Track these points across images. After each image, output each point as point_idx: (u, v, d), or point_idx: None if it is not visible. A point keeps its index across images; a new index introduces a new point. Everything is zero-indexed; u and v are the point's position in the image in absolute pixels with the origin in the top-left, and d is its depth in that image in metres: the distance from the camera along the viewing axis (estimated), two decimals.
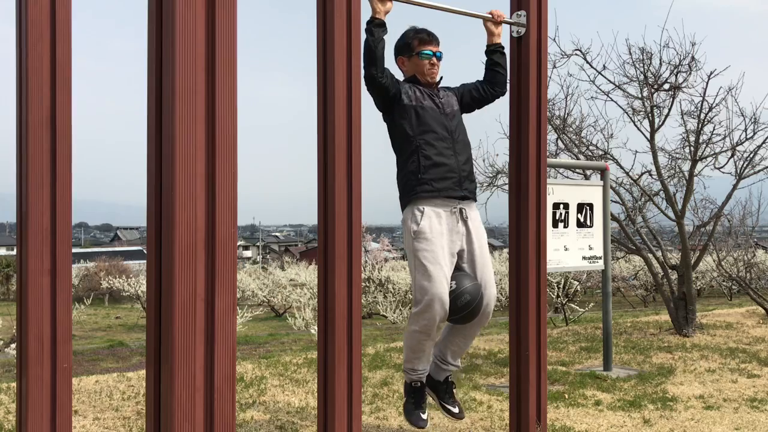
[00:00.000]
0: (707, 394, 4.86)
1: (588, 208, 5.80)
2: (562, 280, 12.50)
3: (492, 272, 3.50)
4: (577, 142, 8.04)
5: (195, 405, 2.59)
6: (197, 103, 2.59)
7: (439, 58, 3.46)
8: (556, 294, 12.47)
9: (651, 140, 7.77)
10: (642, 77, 7.62)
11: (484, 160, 8.71)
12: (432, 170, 3.31)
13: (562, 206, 5.60)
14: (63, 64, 2.41)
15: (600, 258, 5.91)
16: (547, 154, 4.93)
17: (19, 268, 2.42)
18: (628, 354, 6.46)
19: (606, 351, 5.88)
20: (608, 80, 7.79)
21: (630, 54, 7.62)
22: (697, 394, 4.88)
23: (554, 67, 7.72)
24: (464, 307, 3.30)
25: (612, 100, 7.90)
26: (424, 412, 3.54)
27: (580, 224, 5.74)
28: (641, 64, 7.59)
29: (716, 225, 8.21)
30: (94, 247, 56.72)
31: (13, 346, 9.68)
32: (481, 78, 3.67)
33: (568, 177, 8.00)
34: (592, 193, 5.87)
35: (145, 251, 2.71)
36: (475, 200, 3.51)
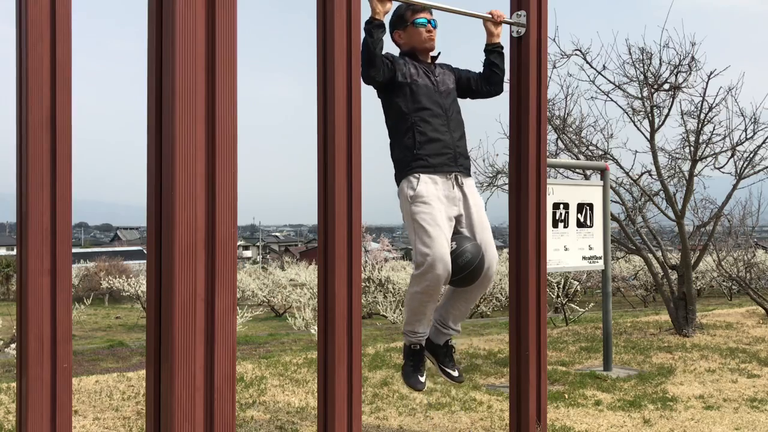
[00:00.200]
0: (707, 394, 4.86)
1: (588, 208, 5.81)
2: (562, 280, 12.51)
3: (491, 235, 3.49)
4: (577, 142, 8.04)
5: (195, 405, 2.59)
6: (197, 103, 2.59)
7: (434, 26, 3.46)
8: (556, 294, 12.48)
9: (651, 140, 7.78)
10: (642, 77, 7.62)
11: (484, 160, 8.69)
12: (427, 146, 3.33)
13: (562, 206, 5.60)
14: (63, 64, 2.41)
15: (600, 258, 5.91)
16: (547, 154, 4.93)
17: (19, 268, 2.42)
18: (628, 354, 6.46)
19: (606, 351, 5.88)
20: (608, 80, 7.79)
21: (630, 54, 7.63)
22: (697, 394, 4.88)
23: (554, 67, 7.72)
24: (466, 266, 3.29)
25: (612, 100, 7.90)
26: (422, 375, 3.53)
27: (580, 224, 5.74)
28: (641, 64, 7.60)
29: (716, 225, 8.21)
30: (94, 247, 56.75)
31: (13, 346, 9.68)
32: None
33: (568, 177, 8.00)
34: (592, 193, 5.87)
35: (145, 251, 2.71)
36: (470, 175, 3.53)
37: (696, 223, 8.22)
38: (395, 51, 3.51)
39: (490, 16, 3.61)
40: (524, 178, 3.69)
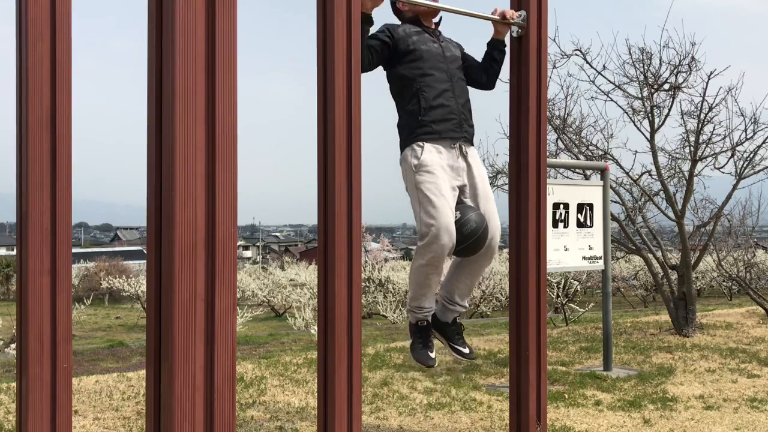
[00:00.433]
0: (707, 394, 4.86)
1: (588, 208, 5.81)
2: (562, 280, 12.50)
3: (495, 206, 3.48)
4: (577, 142, 8.04)
5: (195, 405, 2.59)
6: (197, 103, 2.59)
7: None
8: (556, 294, 12.47)
9: (651, 140, 7.78)
10: (642, 77, 7.62)
11: (484, 160, 8.72)
12: (432, 112, 3.31)
13: (562, 206, 5.60)
14: (63, 64, 2.41)
15: (600, 258, 5.91)
16: (547, 154, 4.93)
17: (19, 268, 2.42)
18: (628, 354, 6.46)
19: (606, 351, 5.88)
20: (608, 80, 7.79)
21: (630, 54, 7.63)
22: (697, 394, 4.88)
23: (554, 67, 7.73)
24: (470, 235, 3.27)
25: (612, 100, 7.90)
26: (432, 351, 3.48)
27: (580, 224, 5.74)
28: (641, 64, 7.60)
29: (716, 225, 8.21)
30: (94, 247, 56.75)
31: (13, 346, 9.68)
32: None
33: (568, 177, 8.00)
34: (592, 193, 5.87)
35: (145, 251, 2.71)
36: (473, 144, 3.51)
37: (696, 223, 8.22)
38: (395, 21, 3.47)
39: (498, 18, 3.61)
40: (524, 178, 3.69)
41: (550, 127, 7.73)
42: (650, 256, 8.19)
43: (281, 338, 11.89)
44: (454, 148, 3.37)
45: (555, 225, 5.54)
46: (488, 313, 16.41)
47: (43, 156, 2.38)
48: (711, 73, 7.39)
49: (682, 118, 7.76)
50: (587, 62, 7.72)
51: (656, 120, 7.70)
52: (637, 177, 8.07)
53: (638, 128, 7.85)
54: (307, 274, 24.36)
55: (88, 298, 21.94)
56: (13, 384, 5.12)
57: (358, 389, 3.03)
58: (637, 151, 7.99)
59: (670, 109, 7.65)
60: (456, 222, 3.25)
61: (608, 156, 7.97)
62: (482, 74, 3.65)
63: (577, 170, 7.93)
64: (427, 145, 3.30)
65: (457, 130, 3.37)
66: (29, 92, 2.36)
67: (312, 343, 10.14)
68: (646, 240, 8.14)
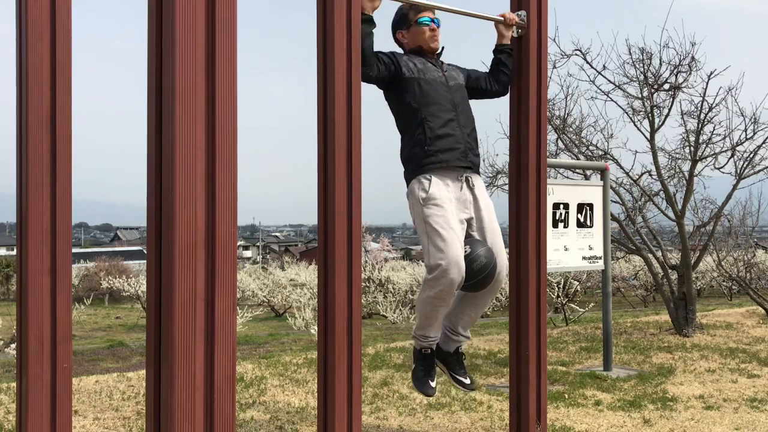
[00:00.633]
0: (707, 394, 4.86)
1: (588, 208, 5.81)
2: (562, 280, 12.50)
3: (501, 239, 3.47)
4: (577, 142, 8.04)
5: (195, 405, 2.59)
6: (197, 103, 2.59)
7: (438, 25, 3.46)
8: (556, 294, 12.47)
9: (651, 140, 7.77)
10: (642, 77, 7.62)
11: (484, 160, 8.72)
12: (438, 141, 3.30)
13: (562, 206, 5.60)
14: (63, 64, 2.41)
15: (600, 258, 5.91)
16: (547, 154, 4.93)
17: (19, 268, 2.42)
18: (628, 354, 6.46)
19: (606, 351, 5.88)
20: (608, 80, 7.79)
21: (630, 54, 7.63)
22: (697, 394, 4.88)
23: (554, 67, 7.72)
24: (480, 271, 3.26)
25: (612, 100, 7.90)
26: (433, 380, 3.49)
27: (580, 224, 5.74)
28: (641, 64, 7.60)
29: (716, 225, 8.21)
30: (94, 247, 56.76)
31: (13, 346, 9.68)
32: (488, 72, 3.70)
33: (568, 177, 8.00)
34: (592, 193, 5.87)
35: (145, 251, 2.71)
36: (479, 174, 3.51)
37: (696, 223, 8.22)
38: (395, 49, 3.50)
39: (501, 18, 3.62)
40: (524, 178, 3.69)
41: (550, 127, 7.72)
42: (650, 256, 8.19)
43: (281, 338, 11.90)
44: (460, 181, 3.35)
45: (555, 225, 5.54)
46: (488, 313, 16.41)
47: (43, 156, 2.38)
48: (711, 73, 7.39)
49: (682, 118, 7.76)
50: (587, 62, 7.72)
51: (656, 120, 7.70)
52: (637, 177, 8.07)
53: (638, 128, 7.86)
54: (307, 274, 24.37)
55: (88, 298, 21.94)
56: (13, 384, 5.12)
57: (358, 389, 3.03)
58: (637, 151, 8.00)
59: (670, 109, 7.65)
60: (466, 257, 3.23)
61: (608, 156, 7.97)
62: (492, 82, 3.64)
63: (577, 170, 7.93)
64: (435, 178, 3.29)
65: (463, 160, 3.35)
66: (29, 92, 2.36)
67: (312, 343, 10.15)
68: (646, 240, 8.14)
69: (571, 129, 8.10)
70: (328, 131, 2.97)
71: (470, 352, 6.67)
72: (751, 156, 7.76)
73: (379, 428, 4.10)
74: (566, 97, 8.02)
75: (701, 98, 7.49)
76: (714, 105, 7.52)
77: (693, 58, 7.39)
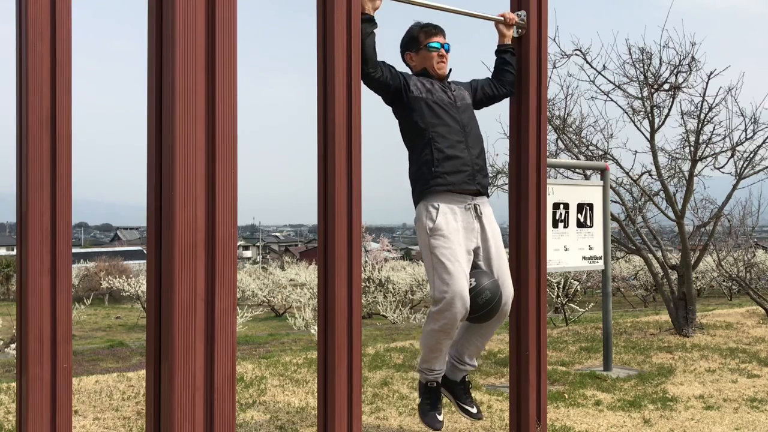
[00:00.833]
0: (707, 394, 4.86)
1: (588, 208, 5.81)
2: (562, 280, 12.50)
3: (508, 269, 3.47)
4: (577, 142, 8.04)
5: (195, 405, 2.59)
6: (197, 103, 2.59)
7: (447, 50, 3.44)
8: (556, 294, 12.47)
9: (651, 140, 7.77)
10: (642, 77, 7.62)
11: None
12: (445, 163, 3.27)
13: (562, 206, 5.60)
14: (63, 64, 2.41)
15: (600, 258, 5.91)
16: (547, 154, 4.94)
17: (19, 268, 2.42)
18: (628, 354, 6.46)
19: (606, 351, 5.88)
20: (608, 80, 7.79)
21: (630, 54, 7.63)
22: (697, 394, 4.88)
23: (554, 67, 7.72)
24: (485, 305, 3.26)
25: (612, 100, 7.90)
26: (440, 413, 3.48)
27: (580, 224, 5.74)
28: (641, 64, 7.60)
29: (716, 225, 8.21)
30: (94, 247, 56.78)
31: (13, 346, 9.68)
32: (490, 76, 3.69)
33: (568, 177, 8.00)
34: (592, 193, 5.87)
35: (145, 251, 2.71)
36: (488, 196, 3.48)
37: (696, 223, 8.22)
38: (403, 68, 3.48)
39: (501, 18, 3.62)
40: (524, 178, 3.69)
41: (550, 127, 7.73)
42: (650, 256, 8.19)
43: (281, 338, 11.90)
44: (468, 210, 3.33)
45: (555, 225, 5.54)
46: None
47: (43, 156, 2.38)
48: (711, 73, 7.39)
49: (682, 118, 7.76)
50: (587, 62, 7.72)
51: (656, 120, 7.70)
52: (637, 177, 8.07)
53: (638, 128, 7.86)
54: (307, 274, 24.37)
55: (88, 298, 21.95)
56: (13, 384, 5.12)
57: (358, 389, 3.03)
58: (637, 151, 8.00)
59: (670, 109, 7.65)
60: (471, 290, 3.22)
61: (608, 156, 7.97)
62: (498, 86, 3.63)
63: (577, 170, 7.93)
64: (442, 207, 3.27)
65: (470, 182, 3.32)
66: (29, 92, 2.36)
67: (312, 343, 10.15)
68: (646, 240, 8.14)
69: (571, 129, 8.10)
70: (328, 131, 2.97)
71: None
72: (751, 156, 7.76)
73: (379, 428, 4.10)
74: (566, 97, 8.03)
75: (701, 98, 7.49)
76: (714, 105, 7.52)
77: (693, 58, 7.39)
